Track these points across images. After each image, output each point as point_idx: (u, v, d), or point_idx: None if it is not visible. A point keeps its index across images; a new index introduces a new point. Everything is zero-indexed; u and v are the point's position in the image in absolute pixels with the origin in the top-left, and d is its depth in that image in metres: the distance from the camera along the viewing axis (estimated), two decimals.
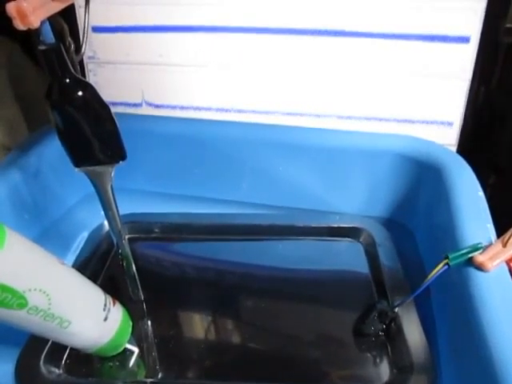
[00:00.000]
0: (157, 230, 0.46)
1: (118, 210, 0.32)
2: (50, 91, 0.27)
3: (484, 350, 0.27)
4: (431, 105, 0.45)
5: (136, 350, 0.34)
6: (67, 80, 0.26)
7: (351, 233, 0.44)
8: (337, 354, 0.34)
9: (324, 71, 0.46)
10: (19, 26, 0.23)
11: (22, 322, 0.26)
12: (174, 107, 0.50)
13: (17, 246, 0.25)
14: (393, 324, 0.34)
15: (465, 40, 0.42)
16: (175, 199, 0.49)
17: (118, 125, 0.28)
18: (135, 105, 0.51)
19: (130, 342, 0.33)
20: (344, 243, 0.44)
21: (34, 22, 0.23)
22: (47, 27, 0.25)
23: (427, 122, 0.46)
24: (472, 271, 0.30)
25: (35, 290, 0.26)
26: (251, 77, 0.48)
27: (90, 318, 0.30)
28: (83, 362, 0.33)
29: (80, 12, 0.47)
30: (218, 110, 0.50)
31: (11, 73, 0.51)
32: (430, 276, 0.31)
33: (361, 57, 0.45)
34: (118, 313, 0.32)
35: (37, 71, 0.53)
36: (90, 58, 0.50)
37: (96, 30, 0.48)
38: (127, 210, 0.42)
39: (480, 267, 0.30)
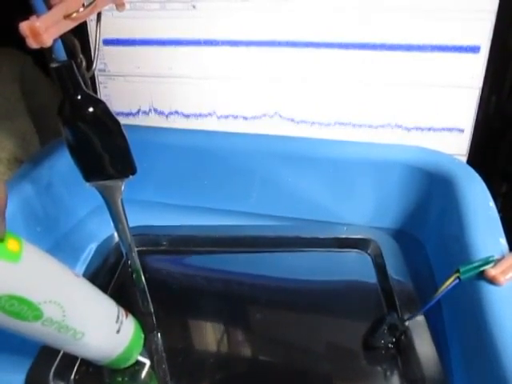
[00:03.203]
0: (165, 243, 0.46)
1: (128, 224, 0.33)
2: (61, 107, 0.27)
3: (496, 364, 0.26)
4: (442, 114, 0.45)
5: (148, 362, 0.33)
6: (79, 97, 0.27)
7: (359, 244, 0.44)
8: (346, 367, 0.34)
9: (333, 81, 0.46)
10: (32, 44, 0.24)
11: (37, 334, 0.27)
12: (182, 118, 0.51)
13: (33, 258, 0.26)
14: (403, 337, 0.34)
15: (475, 49, 0.42)
16: (183, 210, 0.49)
17: (128, 140, 0.29)
18: (144, 114, 0.51)
19: (141, 355, 0.33)
20: (352, 255, 0.44)
21: (47, 40, 0.24)
22: (59, 45, 0.26)
23: (438, 131, 0.46)
24: (484, 285, 0.30)
25: (50, 302, 0.26)
26: (261, 88, 0.48)
27: (103, 329, 0.30)
28: (92, 377, 0.33)
29: (91, 25, 0.48)
30: (226, 120, 0.50)
31: (24, 86, 0.51)
32: (440, 290, 0.30)
33: (371, 67, 0.45)
34: (130, 325, 0.32)
35: (49, 84, 0.54)
36: (100, 70, 0.50)
37: (107, 42, 0.49)
38: (135, 222, 0.42)
39: (492, 281, 0.30)
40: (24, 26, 0.23)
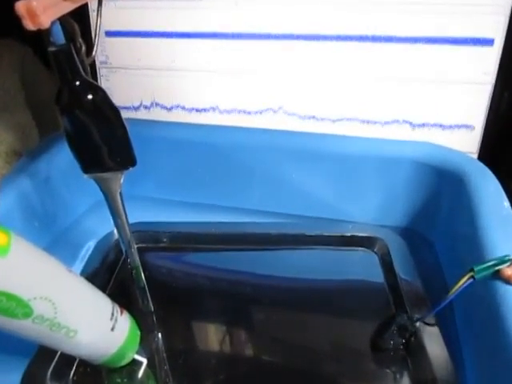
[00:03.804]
0: (165, 240, 0.45)
1: (127, 218, 0.31)
2: (59, 95, 0.26)
3: None
4: (453, 110, 0.44)
5: (145, 360, 0.32)
6: (77, 83, 0.25)
7: (366, 242, 0.43)
8: (354, 368, 0.33)
9: (340, 75, 0.45)
10: (29, 25, 0.22)
11: (28, 332, 0.25)
12: (184, 112, 0.50)
13: (22, 252, 0.25)
14: (413, 338, 0.33)
15: (489, 42, 0.41)
16: (185, 207, 0.48)
17: (128, 130, 0.28)
18: (146, 107, 0.50)
19: (138, 353, 0.32)
20: (359, 253, 0.43)
21: (45, 22, 0.22)
22: (58, 28, 0.24)
23: (448, 128, 0.45)
24: (499, 285, 0.29)
25: (41, 298, 0.25)
26: (265, 82, 0.47)
27: (97, 327, 0.29)
28: (91, 378, 0.32)
29: (94, 16, 0.47)
30: (229, 115, 0.49)
31: (24, 77, 0.50)
32: (454, 289, 0.29)
33: (380, 61, 0.44)
34: (125, 322, 0.31)
35: (49, 76, 0.53)
36: (102, 62, 0.49)
37: (109, 34, 0.48)
38: (135, 218, 0.42)
39: (508, 281, 0.28)
40: (20, 6, 0.22)
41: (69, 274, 0.27)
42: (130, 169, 0.29)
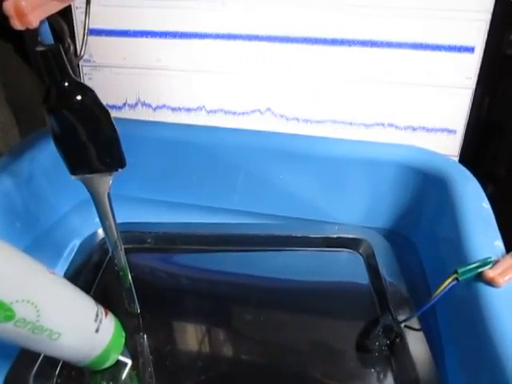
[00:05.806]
0: (150, 240, 0.44)
1: (115, 220, 0.31)
2: (47, 95, 0.25)
3: (495, 367, 0.26)
4: (435, 114, 0.45)
5: (129, 362, 0.32)
6: (66, 83, 0.25)
7: (351, 244, 0.44)
8: (339, 369, 0.33)
9: (326, 78, 0.46)
10: (17, 25, 0.22)
11: (10, 335, 0.25)
12: (170, 112, 0.49)
13: (3, 255, 0.24)
14: (398, 339, 0.34)
15: (469, 50, 0.42)
16: (170, 207, 0.48)
17: (117, 131, 0.27)
18: (131, 107, 0.50)
19: (123, 354, 0.32)
20: (344, 254, 0.43)
21: (33, 21, 0.22)
22: (46, 27, 0.24)
23: (431, 131, 0.46)
24: (482, 287, 0.29)
25: (23, 301, 0.24)
26: (249, 83, 0.47)
27: (81, 329, 0.29)
28: (74, 380, 0.32)
29: (77, 13, 0.46)
30: (215, 115, 0.49)
31: (3, 75, 0.49)
32: (438, 291, 0.30)
33: (364, 65, 0.44)
34: (110, 324, 0.31)
35: (30, 73, 0.52)
36: (85, 61, 0.48)
37: (93, 32, 0.47)
38: (119, 219, 0.41)
39: (490, 282, 0.29)
40: (8, 5, 0.21)
41: (51, 276, 0.27)
42: (120, 170, 0.28)
